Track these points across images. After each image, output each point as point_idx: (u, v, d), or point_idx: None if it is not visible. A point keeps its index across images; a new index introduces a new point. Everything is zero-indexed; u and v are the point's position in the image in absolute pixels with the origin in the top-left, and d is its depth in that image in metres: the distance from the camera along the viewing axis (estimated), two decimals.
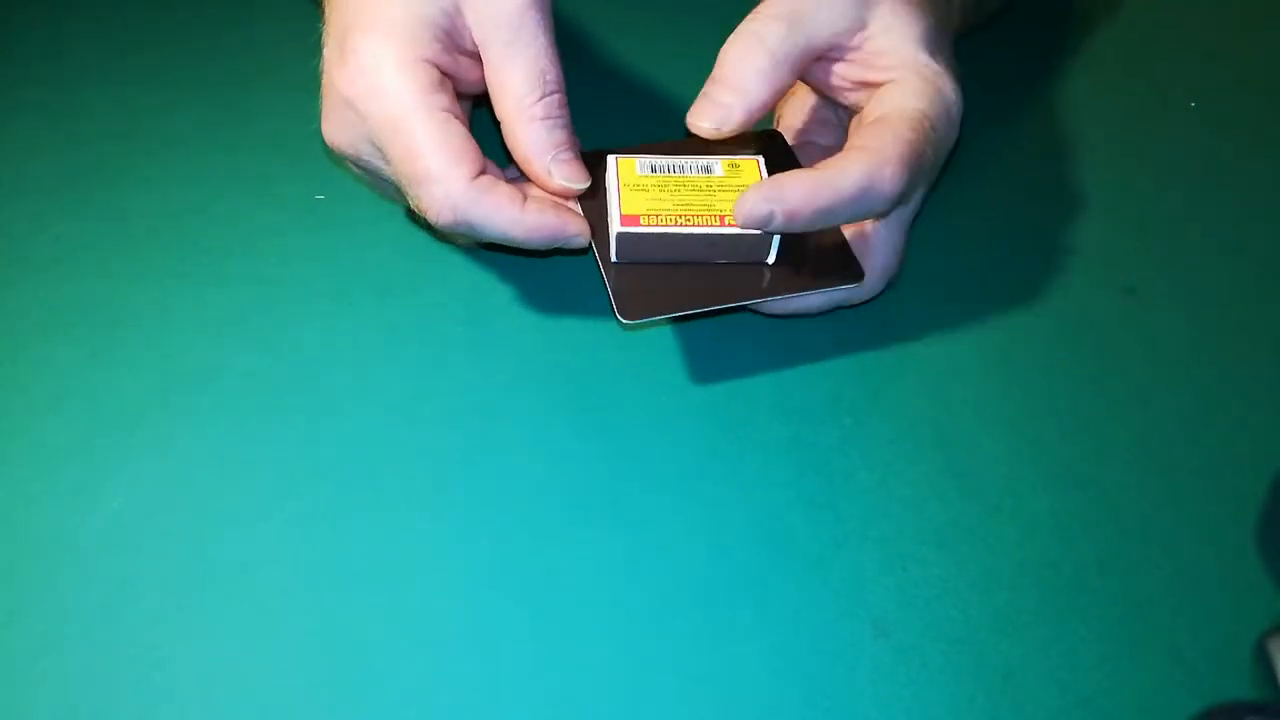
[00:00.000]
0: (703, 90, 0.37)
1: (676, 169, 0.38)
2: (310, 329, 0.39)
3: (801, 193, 0.34)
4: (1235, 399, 0.38)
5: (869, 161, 0.34)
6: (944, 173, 0.41)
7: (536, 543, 0.33)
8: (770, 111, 0.40)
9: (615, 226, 0.36)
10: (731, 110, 0.36)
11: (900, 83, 0.37)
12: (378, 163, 0.37)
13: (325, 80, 0.37)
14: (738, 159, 0.39)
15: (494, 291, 0.40)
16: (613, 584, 0.33)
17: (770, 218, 0.34)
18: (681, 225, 0.36)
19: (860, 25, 0.38)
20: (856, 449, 0.36)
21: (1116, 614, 0.33)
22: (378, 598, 0.32)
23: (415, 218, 0.38)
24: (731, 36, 0.37)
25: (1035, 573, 0.33)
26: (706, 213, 0.37)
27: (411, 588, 0.32)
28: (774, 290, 0.37)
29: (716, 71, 0.37)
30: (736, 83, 0.36)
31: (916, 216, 0.40)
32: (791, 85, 0.38)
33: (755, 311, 0.40)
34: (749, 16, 0.37)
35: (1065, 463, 0.36)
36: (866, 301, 0.40)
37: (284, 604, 0.32)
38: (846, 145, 0.36)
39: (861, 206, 0.35)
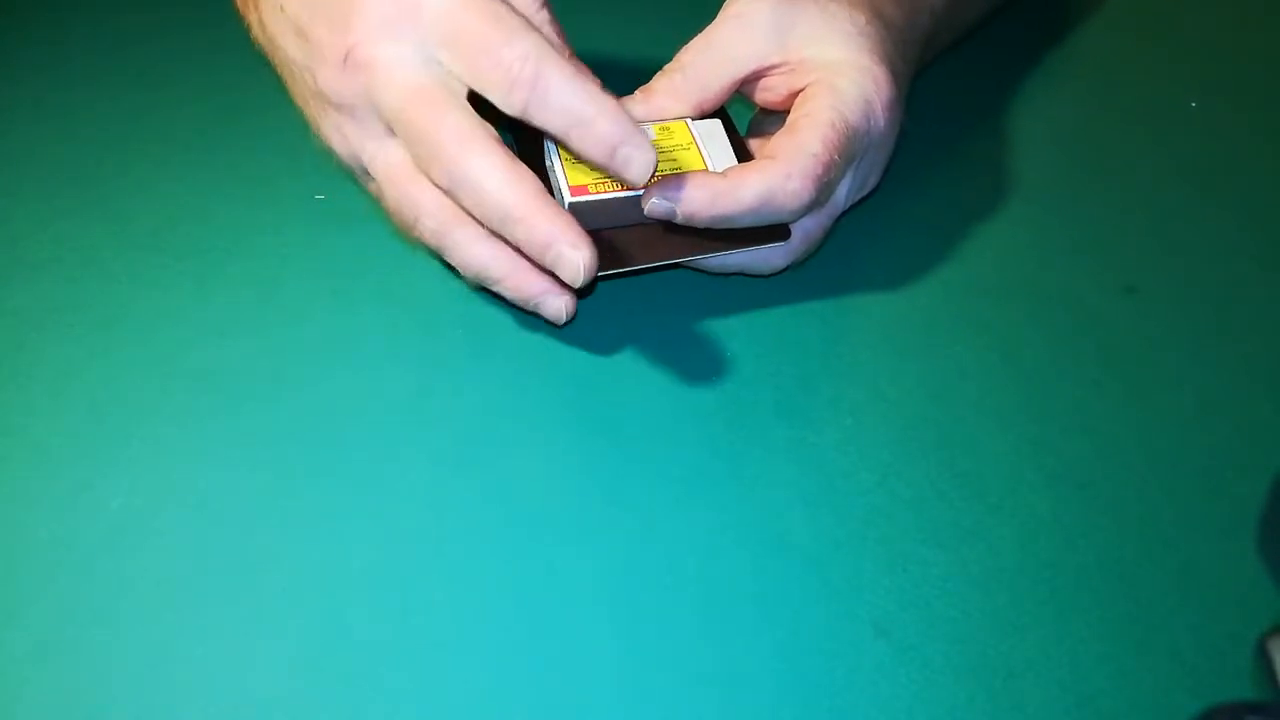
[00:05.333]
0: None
1: None
2: (310, 329, 0.39)
3: (701, 199, 0.36)
4: (1235, 399, 0.38)
5: (771, 176, 0.36)
6: (892, 159, 0.41)
7: (536, 542, 0.33)
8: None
9: (566, 198, 0.37)
10: (637, 104, 0.40)
11: (820, 84, 0.38)
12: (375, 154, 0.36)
13: (308, 86, 0.36)
14: (668, 122, 0.40)
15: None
16: (613, 584, 0.33)
17: (671, 214, 0.36)
18: (626, 190, 0.37)
19: (780, 47, 0.39)
20: (856, 449, 0.36)
21: (1116, 614, 0.33)
22: (378, 597, 0.32)
23: (395, 222, 0.38)
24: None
25: (1035, 573, 0.33)
26: None
27: (411, 587, 0.32)
28: (705, 249, 0.38)
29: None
30: (652, 90, 0.40)
31: (853, 206, 0.41)
32: (712, 103, 0.40)
33: (690, 268, 0.41)
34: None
35: (1065, 463, 0.36)
36: (769, 275, 0.40)
37: (284, 604, 0.32)
38: (765, 151, 0.37)
39: (764, 215, 0.36)
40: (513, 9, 0.34)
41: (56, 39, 0.51)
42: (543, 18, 0.38)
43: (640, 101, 0.40)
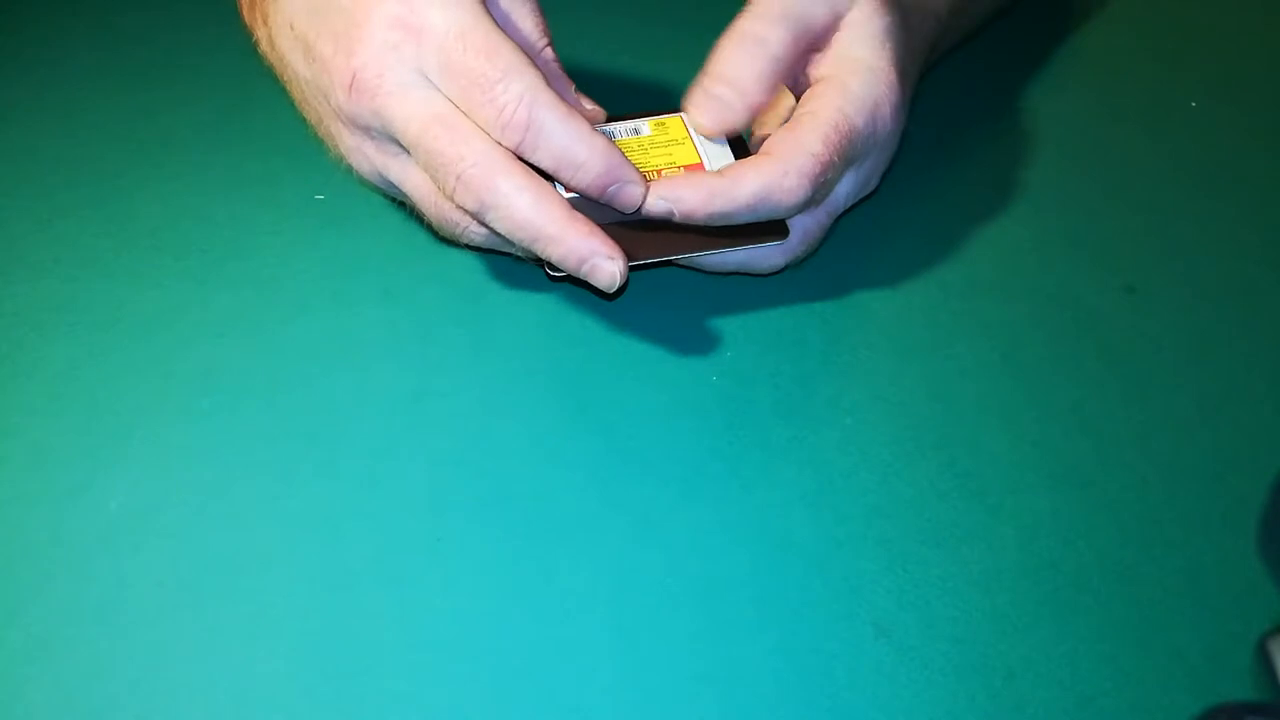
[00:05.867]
0: (702, 86, 0.37)
1: (607, 135, 0.38)
2: (310, 329, 0.39)
3: (697, 198, 0.35)
4: (1236, 398, 0.38)
5: (768, 174, 0.35)
6: (893, 161, 0.41)
7: (535, 542, 0.33)
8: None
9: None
10: (737, 113, 0.37)
11: (831, 80, 0.38)
12: (399, 168, 0.36)
13: (323, 106, 0.36)
14: (663, 117, 0.40)
15: (494, 291, 0.40)
16: (612, 583, 0.33)
17: (669, 214, 0.36)
18: None
19: (837, 22, 0.38)
20: (856, 449, 0.36)
21: (1117, 614, 0.33)
22: (377, 598, 0.32)
23: (436, 229, 0.38)
24: (730, 36, 0.37)
25: (1036, 573, 0.33)
26: (644, 170, 0.37)
27: (411, 588, 0.32)
28: (703, 246, 0.37)
29: (715, 69, 0.37)
30: (741, 84, 0.37)
31: (853, 207, 0.41)
32: (788, 78, 0.39)
33: (688, 267, 0.40)
34: (745, 14, 0.37)
35: (1065, 463, 0.36)
36: (769, 274, 0.40)
37: (283, 604, 0.32)
38: (762, 147, 0.37)
39: (761, 213, 0.36)
40: (514, 44, 0.34)
41: (56, 39, 0.51)
42: (548, 55, 0.38)
43: (722, 97, 0.37)
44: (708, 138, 0.38)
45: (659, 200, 0.36)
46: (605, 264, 0.34)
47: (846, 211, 0.41)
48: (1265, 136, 0.49)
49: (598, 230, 0.35)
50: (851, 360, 0.39)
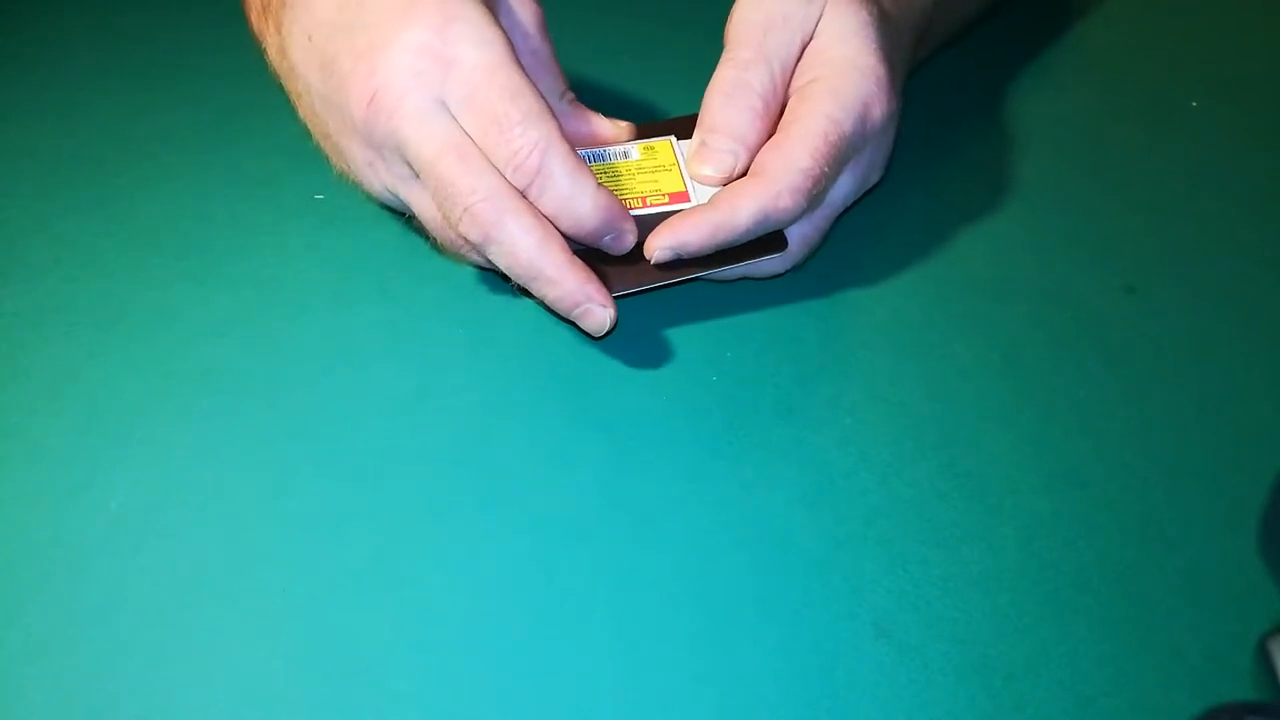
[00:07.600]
0: (701, 139, 0.39)
1: (596, 158, 0.39)
2: (310, 329, 0.39)
3: (700, 237, 0.36)
4: (1236, 398, 0.38)
5: (763, 197, 0.36)
6: (893, 150, 0.41)
7: (536, 543, 0.33)
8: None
9: None
10: (737, 158, 0.38)
11: (819, 84, 0.38)
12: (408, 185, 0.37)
13: (336, 121, 0.36)
14: (652, 142, 0.40)
15: (494, 291, 0.40)
16: (612, 584, 0.33)
17: (677, 256, 0.37)
18: None
19: (810, 37, 0.39)
20: (856, 449, 0.36)
21: (1117, 614, 0.33)
22: (377, 598, 0.32)
23: (438, 246, 0.39)
24: (716, 86, 0.38)
25: (1036, 573, 0.33)
26: (630, 195, 0.38)
27: (410, 588, 0.32)
28: (705, 266, 0.38)
29: (709, 122, 0.38)
30: (735, 131, 0.38)
31: (855, 203, 0.41)
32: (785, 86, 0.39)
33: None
34: (727, 62, 0.38)
35: (1066, 463, 0.36)
36: (768, 278, 0.41)
37: (283, 604, 0.32)
38: (751, 166, 0.38)
39: (763, 230, 0.37)
40: (537, 90, 0.34)
41: (56, 39, 0.51)
42: (570, 98, 0.39)
43: (720, 147, 0.38)
44: (710, 186, 0.39)
45: (666, 250, 0.36)
46: (597, 310, 0.36)
47: (849, 208, 0.41)
48: (1265, 136, 0.49)
49: (594, 277, 0.35)
50: (851, 360, 0.39)
